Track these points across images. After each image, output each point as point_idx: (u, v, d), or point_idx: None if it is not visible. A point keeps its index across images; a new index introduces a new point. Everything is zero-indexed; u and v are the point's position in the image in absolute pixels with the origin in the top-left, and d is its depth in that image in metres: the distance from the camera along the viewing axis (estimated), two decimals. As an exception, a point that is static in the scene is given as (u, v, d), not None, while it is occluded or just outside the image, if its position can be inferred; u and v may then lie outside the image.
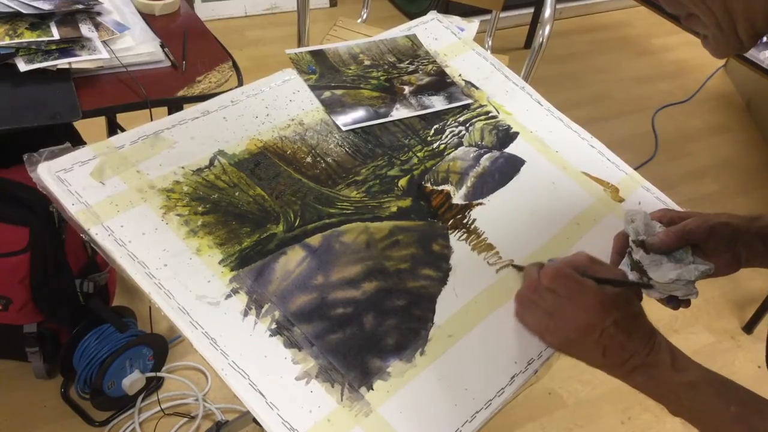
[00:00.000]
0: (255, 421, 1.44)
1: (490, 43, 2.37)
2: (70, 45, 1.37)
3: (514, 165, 0.98)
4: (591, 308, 0.70)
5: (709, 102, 3.32)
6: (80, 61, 1.35)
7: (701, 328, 2.24)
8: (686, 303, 0.82)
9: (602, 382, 1.96)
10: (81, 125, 1.47)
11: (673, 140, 3.03)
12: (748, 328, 2.23)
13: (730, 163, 2.98)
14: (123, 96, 1.37)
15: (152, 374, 1.72)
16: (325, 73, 1.01)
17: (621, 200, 0.99)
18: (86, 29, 1.43)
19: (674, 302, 0.81)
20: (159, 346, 1.73)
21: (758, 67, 1.87)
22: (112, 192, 0.79)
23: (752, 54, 1.90)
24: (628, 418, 1.93)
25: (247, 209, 0.83)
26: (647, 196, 1.02)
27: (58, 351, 1.68)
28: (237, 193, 0.84)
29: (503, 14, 2.71)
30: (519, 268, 0.86)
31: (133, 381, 1.66)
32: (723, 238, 0.81)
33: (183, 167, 0.84)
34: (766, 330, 2.21)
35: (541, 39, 1.73)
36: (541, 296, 0.73)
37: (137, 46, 1.46)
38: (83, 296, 1.64)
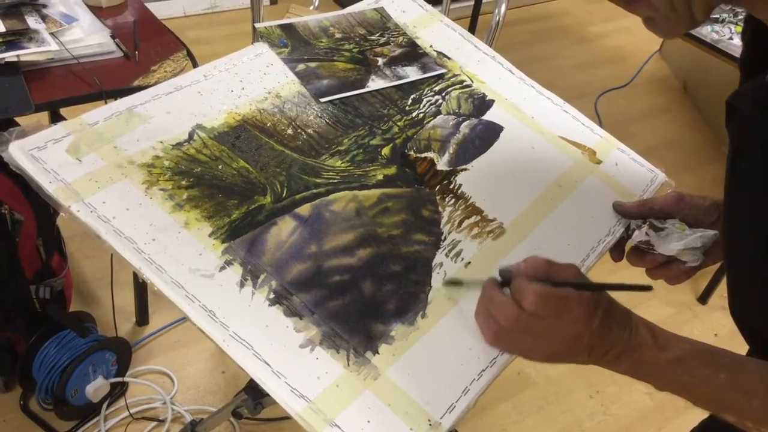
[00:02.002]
0: (234, 413, 1.40)
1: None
2: (17, 37, 1.31)
3: (494, 131, 0.98)
4: (578, 319, 0.66)
5: (648, 85, 3.41)
6: (29, 53, 1.29)
7: (658, 302, 2.29)
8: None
9: (570, 360, 1.98)
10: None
11: (617, 123, 3.10)
12: (703, 298, 2.30)
13: (672, 143, 3.07)
14: (76, 88, 1.32)
15: (117, 379, 1.66)
16: (296, 46, 0.99)
17: (599, 162, 1.00)
18: (33, 21, 1.37)
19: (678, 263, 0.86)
20: (122, 350, 1.67)
21: (702, 42, 1.92)
22: (91, 169, 0.75)
23: (695, 30, 1.94)
24: (596, 392, 1.95)
25: (232, 182, 0.80)
26: (623, 158, 1.03)
27: (15, 362, 1.60)
28: (220, 166, 0.81)
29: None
30: (455, 283, 0.79)
31: (97, 387, 1.60)
32: (699, 208, 0.87)
33: (161, 142, 0.81)
34: (720, 300, 2.29)
35: (497, 17, 1.73)
36: (526, 324, 0.67)
37: (87, 37, 1.41)
38: (39, 302, 1.57)
